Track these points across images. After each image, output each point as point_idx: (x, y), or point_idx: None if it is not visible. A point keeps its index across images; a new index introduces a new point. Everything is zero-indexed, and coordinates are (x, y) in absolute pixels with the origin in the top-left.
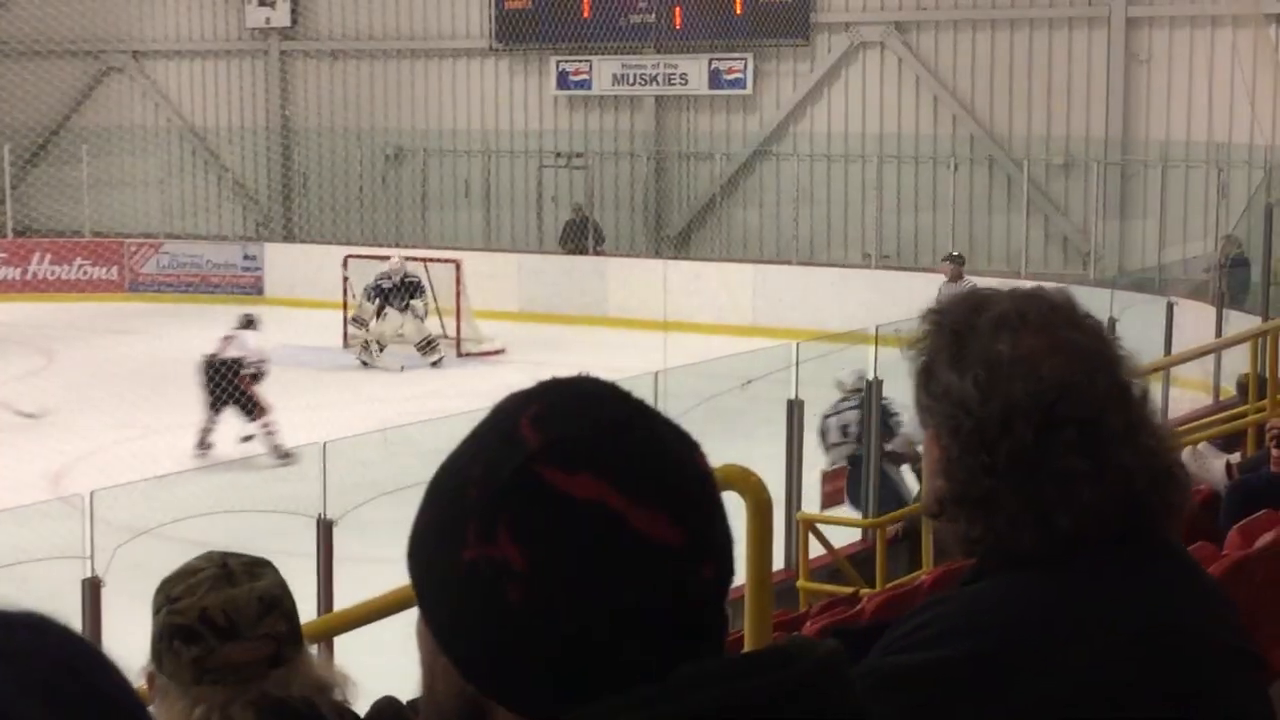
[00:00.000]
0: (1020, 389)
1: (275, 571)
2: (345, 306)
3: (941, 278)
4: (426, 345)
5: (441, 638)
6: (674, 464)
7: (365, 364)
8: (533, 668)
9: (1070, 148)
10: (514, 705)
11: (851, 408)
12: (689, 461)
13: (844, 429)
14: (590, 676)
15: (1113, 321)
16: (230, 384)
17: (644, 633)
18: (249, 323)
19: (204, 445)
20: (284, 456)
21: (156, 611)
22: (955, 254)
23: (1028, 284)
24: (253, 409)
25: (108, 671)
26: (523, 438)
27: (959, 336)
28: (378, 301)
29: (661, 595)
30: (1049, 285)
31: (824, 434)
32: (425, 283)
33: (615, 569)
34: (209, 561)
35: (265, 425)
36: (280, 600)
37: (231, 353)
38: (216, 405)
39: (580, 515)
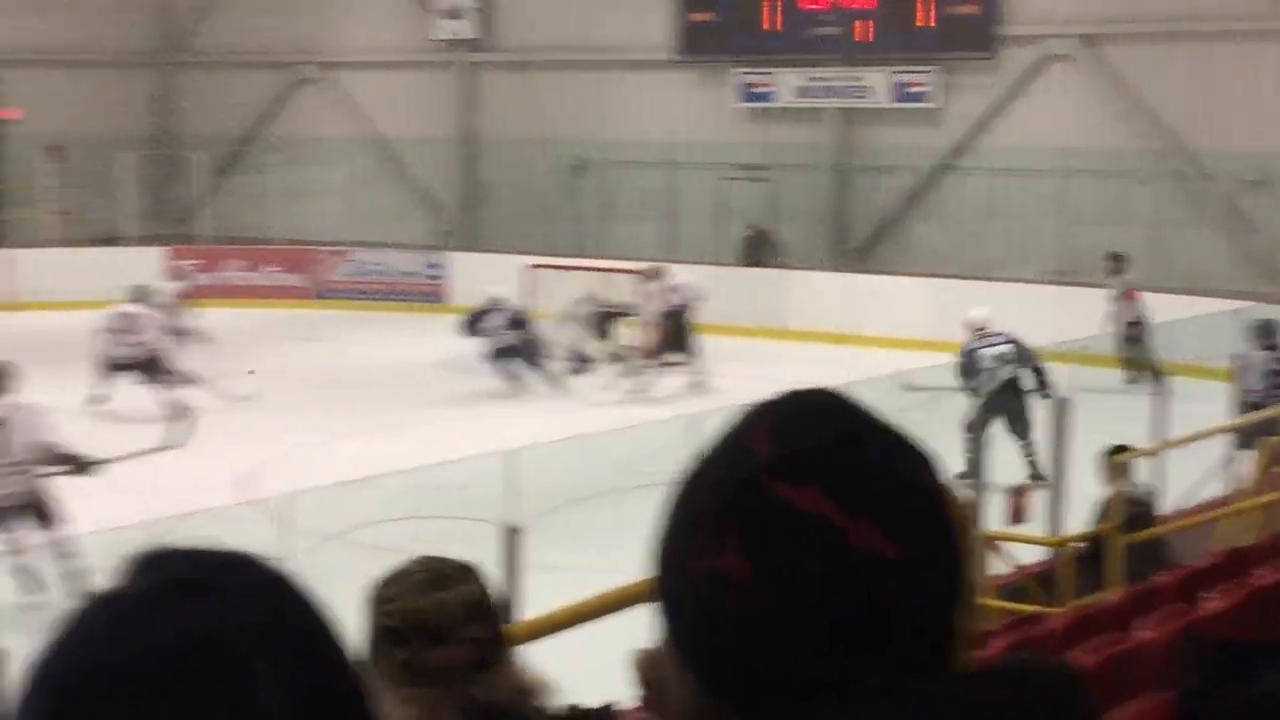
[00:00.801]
0: None
1: (483, 577)
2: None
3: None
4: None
5: (677, 644)
6: (900, 479)
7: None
8: (760, 677)
9: (1264, 163)
10: (745, 715)
11: (1002, 342)
12: (918, 477)
13: (1000, 357)
14: (815, 689)
15: None
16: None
17: (864, 648)
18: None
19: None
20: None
21: (370, 611)
22: (1114, 252)
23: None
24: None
25: (318, 616)
26: (753, 450)
27: None
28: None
29: (882, 610)
30: None
31: (972, 366)
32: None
33: (836, 583)
34: (420, 565)
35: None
36: (487, 606)
37: None
38: None
39: (802, 528)
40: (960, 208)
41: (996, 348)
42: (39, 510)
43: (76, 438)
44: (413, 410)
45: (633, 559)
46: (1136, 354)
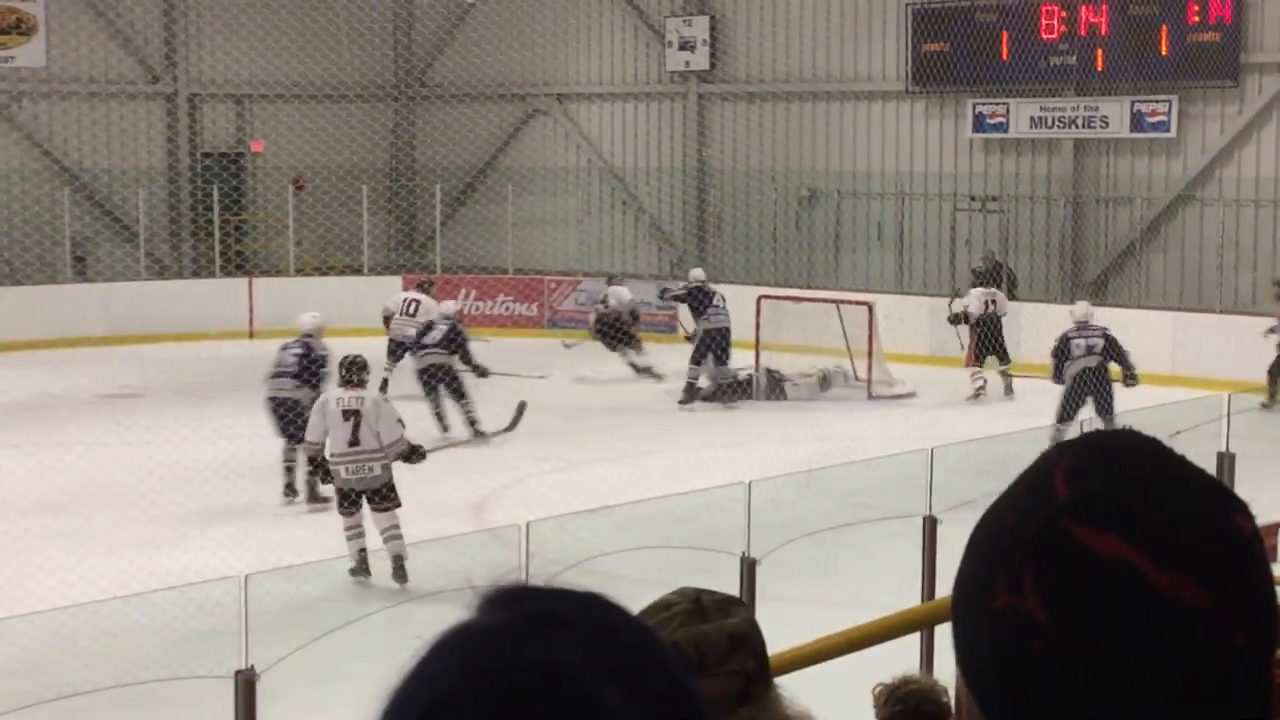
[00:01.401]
0: None
1: (747, 610)
2: (757, 345)
3: None
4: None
5: (974, 687)
6: (1206, 525)
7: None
8: (1065, 716)
9: None
10: None
11: (1096, 335)
12: (1225, 523)
13: (1090, 348)
14: None
15: None
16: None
17: (1167, 696)
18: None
19: None
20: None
21: None
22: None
23: None
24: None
25: (664, 652)
26: (1054, 491)
27: None
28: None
29: (1186, 660)
30: None
31: (1063, 350)
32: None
33: (1138, 630)
34: (683, 597)
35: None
36: (750, 638)
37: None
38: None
39: (1104, 573)
40: (1200, 239)
41: (1088, 339)
42: (384, 495)
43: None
44: (644, 439)
45: (867, 594)
46: None
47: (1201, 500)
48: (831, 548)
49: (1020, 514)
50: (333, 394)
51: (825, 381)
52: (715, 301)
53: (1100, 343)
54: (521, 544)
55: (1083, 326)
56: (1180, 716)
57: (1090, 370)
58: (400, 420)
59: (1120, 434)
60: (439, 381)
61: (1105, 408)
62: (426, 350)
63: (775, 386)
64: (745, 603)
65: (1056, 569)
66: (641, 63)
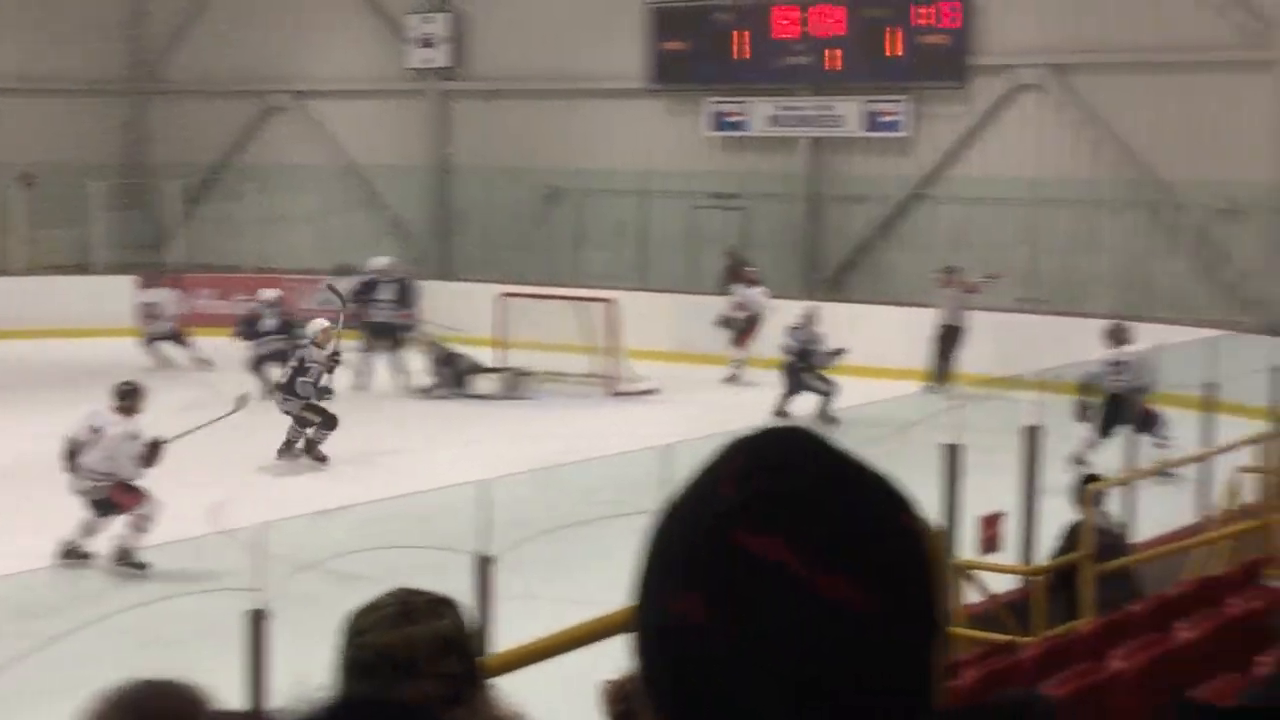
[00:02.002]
0: None
1: (459, 611)
2: (501, 342)
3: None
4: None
5: (651, 693)
6: (870, 526)
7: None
8: None
9: (1234, 193)
10: None
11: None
12: (891, 522)
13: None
14: None
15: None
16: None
17: (834, 696)
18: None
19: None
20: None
21: (344, 644)
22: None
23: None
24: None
25: None
26: (721, 494)
27: None
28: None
29: (850, 660)
30: None
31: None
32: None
33: (800, 634)
34: (393, 599)
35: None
36: (460, 640)
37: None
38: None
39: (767, 578)
40: (931, 237)
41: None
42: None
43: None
44: (387, 438)
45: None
46: None
47: (867, 500)
48: (570, 545)
49: (688, 517)
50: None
51: (517, 382)
52: (380, 294)
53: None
54: (260, 545)
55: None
56: (852, 713)
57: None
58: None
59: (789, 433)
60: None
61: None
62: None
63: (515, 384)
64: (457, 603)
65: (721, 574)
66: (382, 59)
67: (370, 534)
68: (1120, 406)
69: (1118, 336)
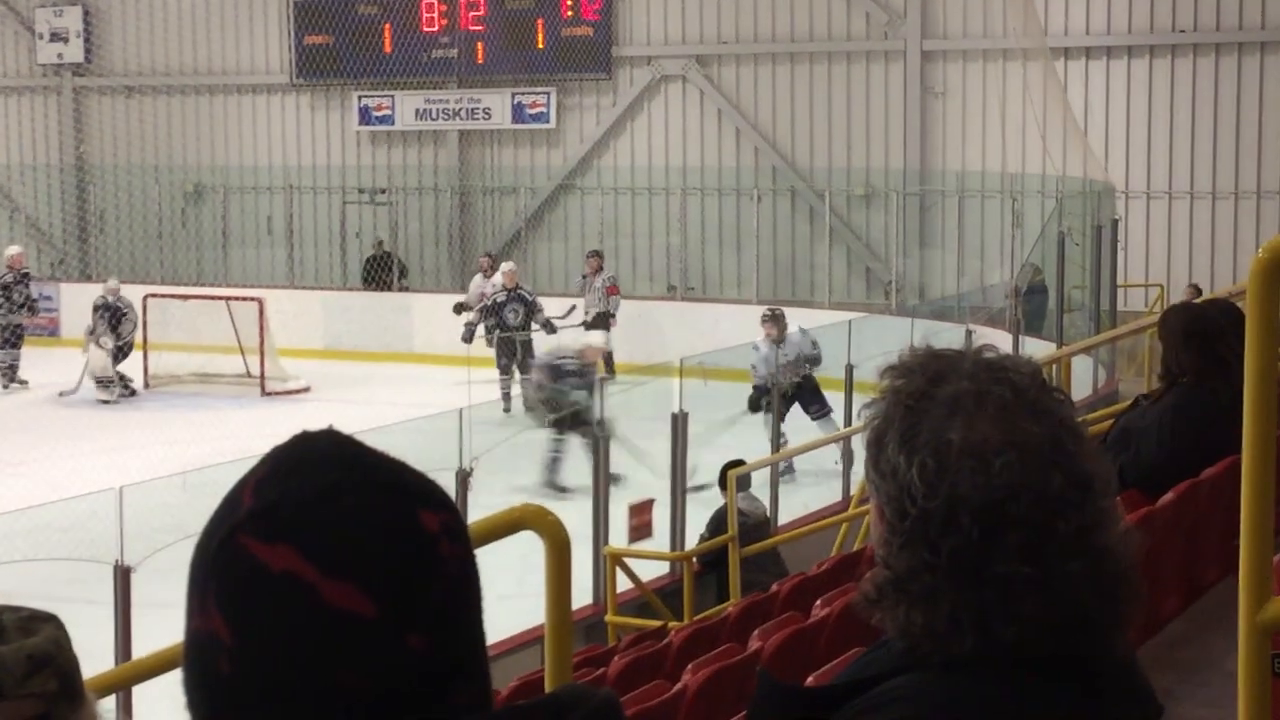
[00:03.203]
0: (968, 484)
1: (56, 626)
2: (146, 346)
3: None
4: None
5: (187, 705)
6: (380, 531)
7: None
8: None
9: (870, 179)
10: None
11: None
12: (405, 527)
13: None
14: None
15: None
16: None
17: (355, 706)
18: None
19: None
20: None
21: None
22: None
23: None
24: None
25: None
26: (241, 503)
27: (911, 412)
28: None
29: (364, 668)
30: (1018, 357)
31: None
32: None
33: (313, 643)
34: None
35: None
36: (53, 657)
37: None
38: None
39: (276, 587)
40: (581, 227)
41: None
42: None
43: None
44: (25, 447)
45: None
46: None
47: (382, 503)
48: None
49: (209, 530)
50: None
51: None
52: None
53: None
54: None
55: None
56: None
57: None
58: None
59: (322, 436)
60: None
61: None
62: None
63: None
64: (55, 616)
65: (234, 585)
66: (11, 55)
67: (8, 548)
68: (771, 391)
69: (776, 323)
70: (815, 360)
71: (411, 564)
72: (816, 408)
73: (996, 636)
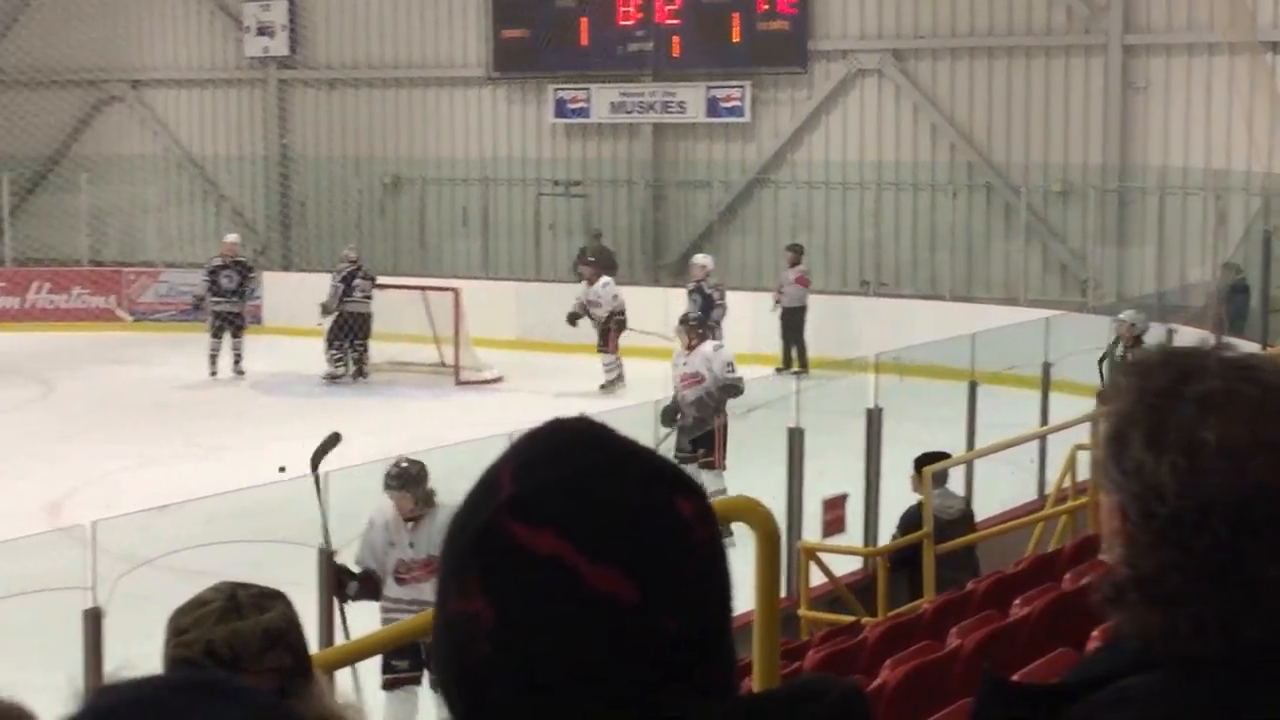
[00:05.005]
0: (1222, 485)
1: (286, 604)
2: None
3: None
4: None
5: (442, 694)
6: (638, 515)
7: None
8: (513, 718)
9: (1068, 175)
10: None
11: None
12: (663, 512)
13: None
14: None
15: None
16: None
17: (610, 688)
18: None
19: None
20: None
21: (166, 643)
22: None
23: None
24: None
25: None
26: (500, 488)
27: (1157, 410)
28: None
29: (622, 651)
30: (1262, 354)
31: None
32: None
33: (575, 626)
34: (218, 593)
35: None
36: (286, 633)
37: None
38: None
39: (542, 571)
40: (775, 221)
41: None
42: None
43: None
44: (229, 433)
45: None
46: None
47: (639, 489)
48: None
49: (471, 511)
50: None
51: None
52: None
53: None
54: (90, 543)
55: None
56: (632, 704)
57: None
58: None
59: (576, 423)
60: None
61: None
62: None
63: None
64: (284, 595)
65: (498, 568)
66: (219, 48)
67: (210, 530)
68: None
69: (688, 332)
70: (730, 389)
71: (670, 548)
72: (703, 452)
73: (1242, 638)
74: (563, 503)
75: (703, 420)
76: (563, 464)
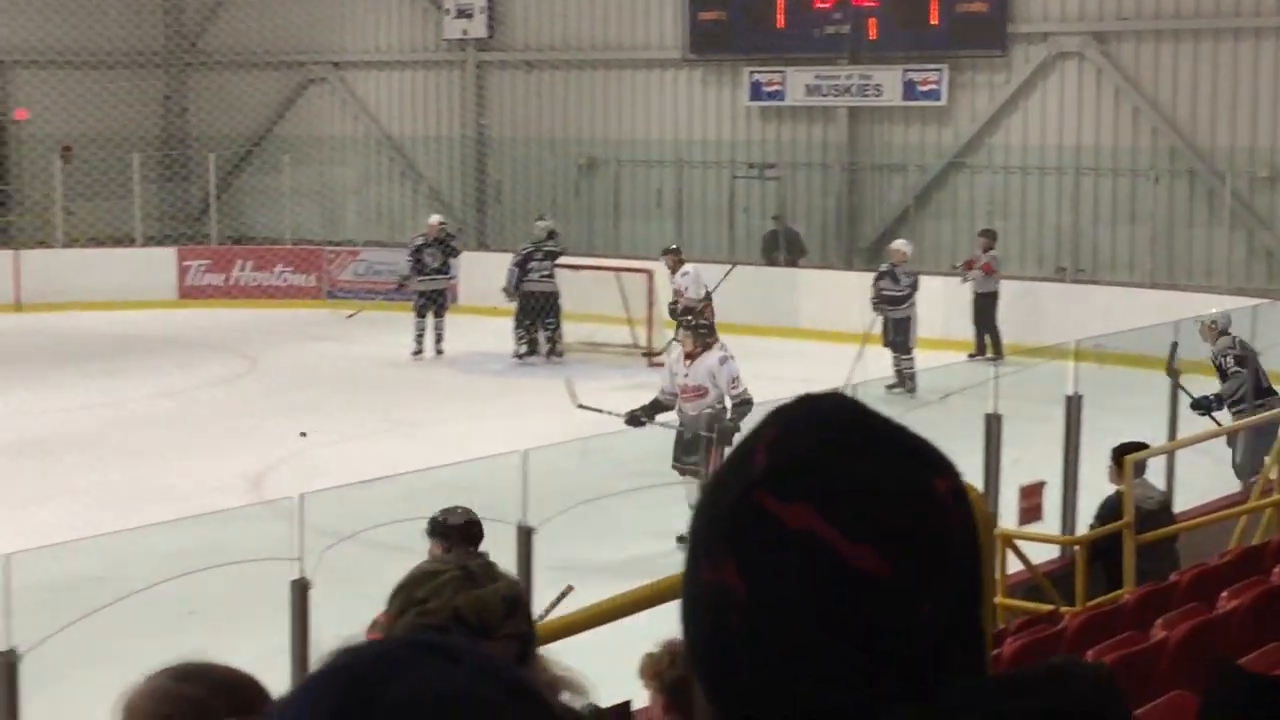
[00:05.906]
0: None
1: (509, 574)
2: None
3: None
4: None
5: (691, 662)
6: (896, 493)
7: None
8: (758, 698)
9: (1275, 160)
10: None
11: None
12: (919, 489)
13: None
14: (816, 714)
15: None
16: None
17: (861, 666)
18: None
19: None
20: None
21: (400, 613)
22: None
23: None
24: None
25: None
26: (754, 462)
27: None
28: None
29: (874, 630)
30: None
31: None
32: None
33: (828, 602)
34: (446, 564)
35: None
36: (521, 600)
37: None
38: None
39: (793, 545)
40: (970, 205)
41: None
42: None
43: None
44: (425, 409)
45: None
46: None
47: (895, 467)
48: (605, 515)
49: (724, 486)
50: None
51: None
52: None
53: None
54: (297, 516)
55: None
56: (874, 690)
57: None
58: None
59: (824, 399)
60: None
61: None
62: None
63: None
64: (500, 567)
65: (752, 542)
66: (419, 30)
67: (410, 506)
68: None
69: (692, 336)
70: (746, 408)
71: (926, 528)
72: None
73: None
74: (817, 478)
75: (722, 437)
76: (818, 440)
